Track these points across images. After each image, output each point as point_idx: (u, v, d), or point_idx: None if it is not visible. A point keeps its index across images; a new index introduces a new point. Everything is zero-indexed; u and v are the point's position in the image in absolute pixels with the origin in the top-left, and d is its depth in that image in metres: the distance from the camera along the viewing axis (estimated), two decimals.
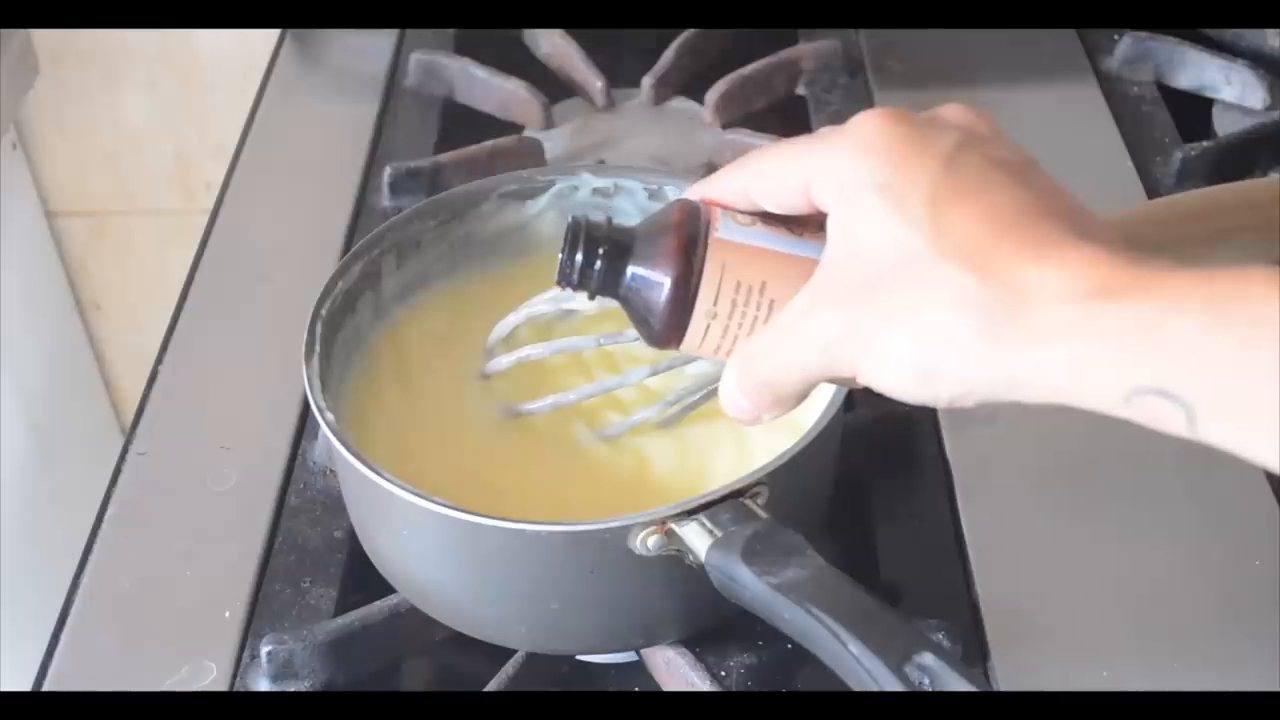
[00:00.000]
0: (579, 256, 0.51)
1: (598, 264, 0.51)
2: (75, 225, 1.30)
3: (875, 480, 0.70)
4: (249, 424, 0.74)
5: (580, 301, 0.65)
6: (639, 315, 0.51)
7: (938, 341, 0.42)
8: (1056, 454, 0.70)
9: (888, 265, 0.43)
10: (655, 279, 0.50)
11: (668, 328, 0.50)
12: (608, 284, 0.51)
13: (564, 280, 0.52)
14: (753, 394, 0.49)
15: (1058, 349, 0.40)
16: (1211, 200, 0.61)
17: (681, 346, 0.51)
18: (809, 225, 0.49)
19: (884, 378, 0.44)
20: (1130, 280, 0.40)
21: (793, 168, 0.47)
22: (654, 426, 0.63)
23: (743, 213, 0.50)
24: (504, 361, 0.64)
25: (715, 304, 0.49)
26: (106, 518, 0.69)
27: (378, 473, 0.56)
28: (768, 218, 0.50)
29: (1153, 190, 0.86)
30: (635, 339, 0.64)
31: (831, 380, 0.47)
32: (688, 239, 0.49)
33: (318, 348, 0.61)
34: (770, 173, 0.48)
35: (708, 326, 0.49)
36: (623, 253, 0.51)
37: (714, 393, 0.63)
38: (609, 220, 0.52)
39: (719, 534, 0.52)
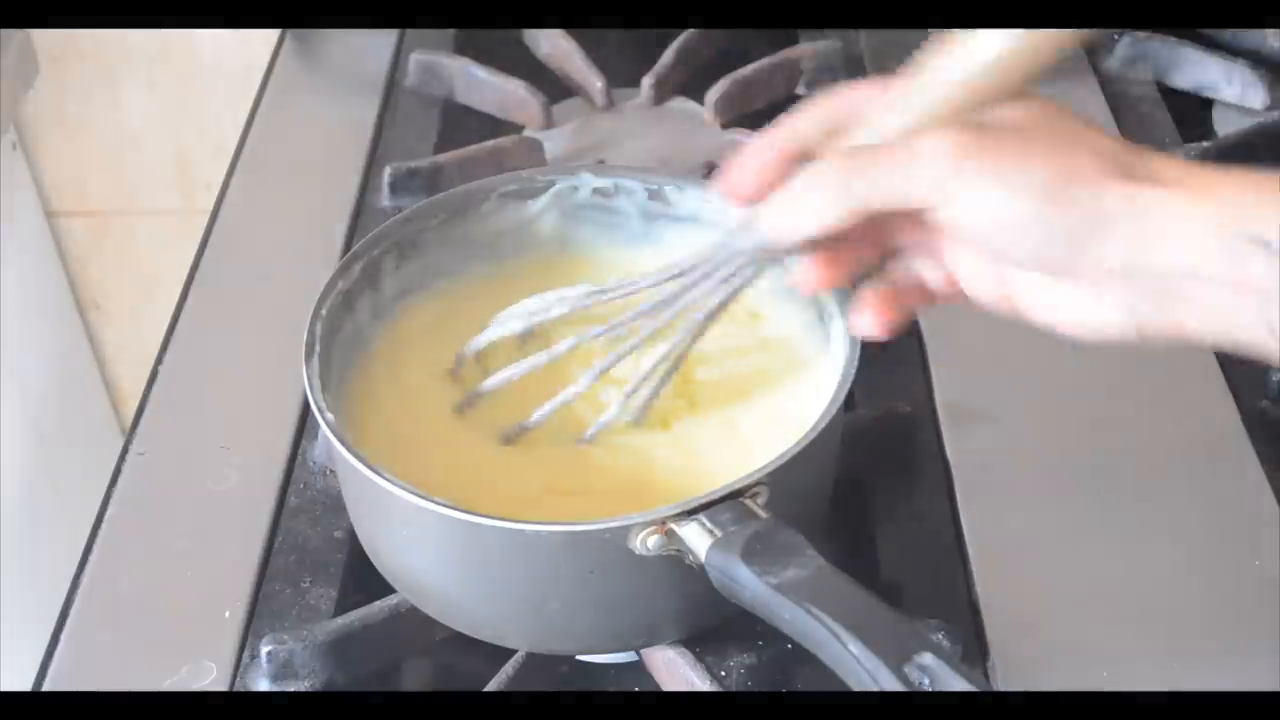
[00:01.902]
0: None
1: None
2: (75, 225, 1.30)
3: (875, 480, 0.70)
4: (249, 424, 0.74)
5: (553, 313, 0.64)
6: None
7: (1078, 172, 0.49)
8: (1057, 454, 0.70)
9: (1037, 122, 0.52)
10: None
11: None
12: None
13: None
14: (846, 192, 0.51)
15: (1189, 200, 0.48)
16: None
17: None
18: None
19: (999, 194, 0.49)
20: None
21: (902, 183, 0.51)
22: (653, 427, 0.63)
23: None
24: (490, 384, 0.63)
25: None
26: (106, 518, 0.69)
27: (378, 473, 0.56)
28: None
29: None
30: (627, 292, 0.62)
31: (912, 206, 0.50)
32: None
33: (318, 348, 0.61)
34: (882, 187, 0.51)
35: None
36: None
37: (669, 375, 0.61)
38: None
39: (719, 534, 0.52)
